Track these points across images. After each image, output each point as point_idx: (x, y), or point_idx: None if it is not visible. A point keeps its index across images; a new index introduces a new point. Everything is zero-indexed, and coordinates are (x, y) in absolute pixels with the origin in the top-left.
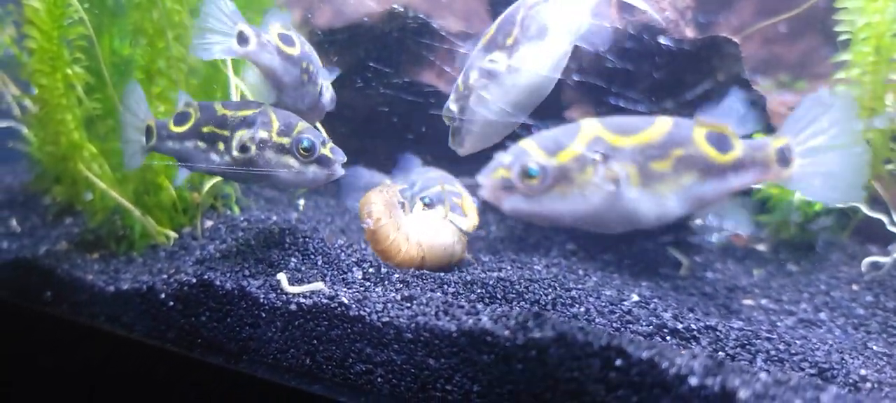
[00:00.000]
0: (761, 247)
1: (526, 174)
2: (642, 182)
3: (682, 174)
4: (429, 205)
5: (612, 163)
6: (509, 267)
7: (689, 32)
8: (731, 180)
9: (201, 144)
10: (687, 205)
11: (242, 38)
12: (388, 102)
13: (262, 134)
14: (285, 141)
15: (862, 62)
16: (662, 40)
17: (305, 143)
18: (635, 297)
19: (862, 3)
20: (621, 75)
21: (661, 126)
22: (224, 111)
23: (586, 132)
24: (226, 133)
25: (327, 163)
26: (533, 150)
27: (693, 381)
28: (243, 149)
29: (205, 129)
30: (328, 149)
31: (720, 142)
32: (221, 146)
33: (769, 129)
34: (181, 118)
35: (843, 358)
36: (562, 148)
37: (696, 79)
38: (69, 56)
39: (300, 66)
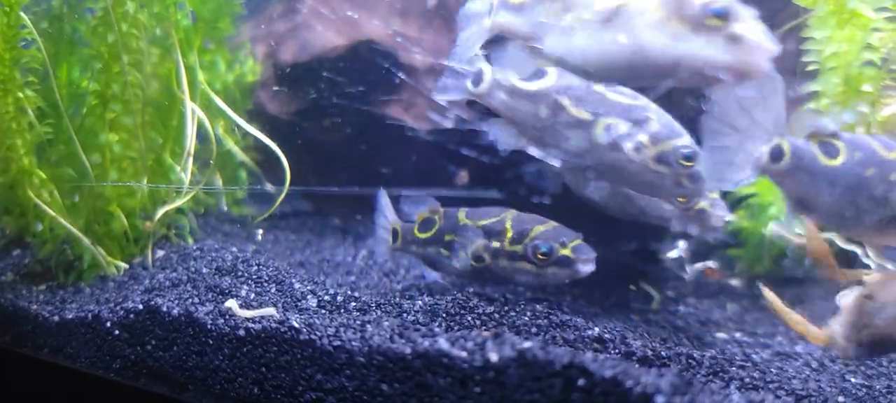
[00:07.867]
0: (735, 282)
1: None
2: None
3: None
4: None
5: None
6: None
7: None
8: None
9: (443, 251)
10: None
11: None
12: (353, 138)
13: (495, 244)
14: (518, 248)
15: (831, 93)
16: None
17: (543, 249)
18: (599, 329)
19: (829, 32)
20: None
21: None
22: (466, 220)
23: None
24: (459, 239)
25: (567, 264)
26: None
27: (660, 400)
28: (478, 259)
29: (447, 237)
30: (570, 250)
31: None
32: (462, 254)
33: None
34: (425, 225)
35: (820, 386)
36: None
37: None
38: (22, 80)
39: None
